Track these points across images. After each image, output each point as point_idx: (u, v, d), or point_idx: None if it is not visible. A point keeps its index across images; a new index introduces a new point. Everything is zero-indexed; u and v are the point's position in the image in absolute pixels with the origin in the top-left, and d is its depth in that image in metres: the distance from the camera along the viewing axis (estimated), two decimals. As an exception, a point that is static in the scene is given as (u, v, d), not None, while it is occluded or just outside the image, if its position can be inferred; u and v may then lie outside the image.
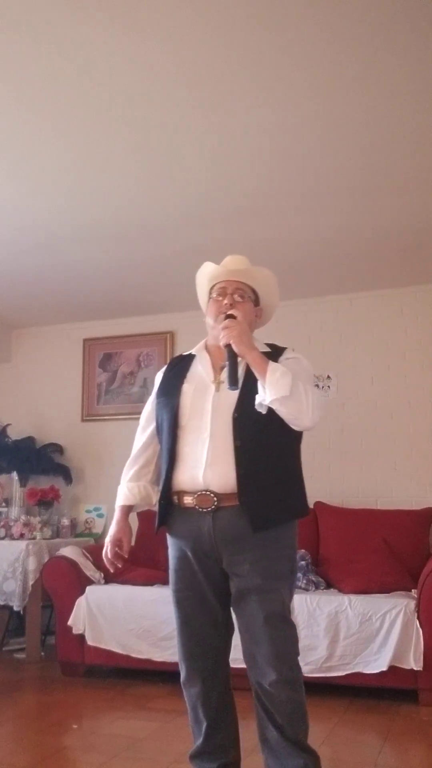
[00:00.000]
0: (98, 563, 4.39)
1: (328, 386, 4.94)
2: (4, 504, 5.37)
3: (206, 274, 2.39)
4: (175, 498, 2.23)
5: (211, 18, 2.33)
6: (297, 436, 2.24)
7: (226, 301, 2.29)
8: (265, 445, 2.16)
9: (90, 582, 4.26)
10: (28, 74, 2.62)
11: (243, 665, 2.21)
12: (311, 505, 4.61)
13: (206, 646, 2.25)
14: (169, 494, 2.25)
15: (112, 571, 2.42)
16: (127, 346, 5.57)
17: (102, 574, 4.34)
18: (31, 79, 2.65)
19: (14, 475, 5.38)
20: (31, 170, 3.33)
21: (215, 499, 2.14)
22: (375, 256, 4.36)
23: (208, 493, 2.15)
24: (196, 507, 2.17)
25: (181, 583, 2.26)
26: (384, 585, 3.86)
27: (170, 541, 2.31)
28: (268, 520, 2.14)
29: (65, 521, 5.16)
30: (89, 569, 4.32)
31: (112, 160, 3.25)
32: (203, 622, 2.24)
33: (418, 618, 3.52)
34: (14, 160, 3.24)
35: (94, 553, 4.50)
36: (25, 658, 4.56)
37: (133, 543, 4.87)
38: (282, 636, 2.13)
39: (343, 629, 3.60)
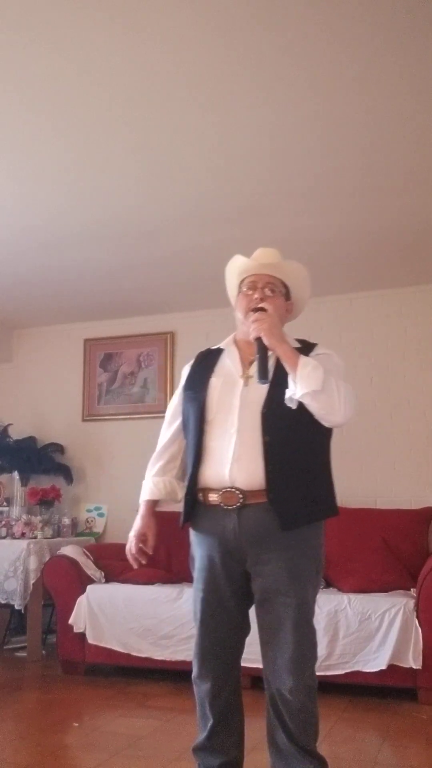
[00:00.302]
0: (99, 562, 4.42)
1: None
2: (5, 503, 5.39)
3: (236, 268, 2.34)
4: (200, 495, 2.18)
5: (211, 18, 2.34)
6: (327, 432, 2.19)
7: (256, 295, 2.24)
8: (295, 442, 2.11)
9: (91, 581, 4.27)
10: (28, 74, 2.63)
11: (253, 665, 2.19)
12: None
13: (221, 647, 2.21)
14: (194, 491, 2.19)
15: (135, 567, 2.36)
16: (128, 347, 5.59)
17: (102, 573, 4.35)
18: (31, 80, 2.66)
19: (15, 474, 5.39)
20: (32, 171, 3.34)
21: (241, 496, 2.09)
22: (375, 256, 4.37)
23: (233, 490, 2.10)
24: (221, 504, 2.12)
25: (203, 583, 2.21)
26: (383, 584, 3.87)
27: (195, 539, 2.26)
28: (297, 518, 2.09)
29: (66, 520, 5.18)
30: (90, 568, 4.33)
31: (113, 161, 3.26)
32: (221, 624, 2.20)
33: (417, 617, 3.53)
34: (15, 160, 3.25)
35: (94, 552, 4.52)
36: (26, 656, 4.58)
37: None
38: (304, 641, 2.10)
39: (342, 628, 3.61)
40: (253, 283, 2.28)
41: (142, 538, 2.33)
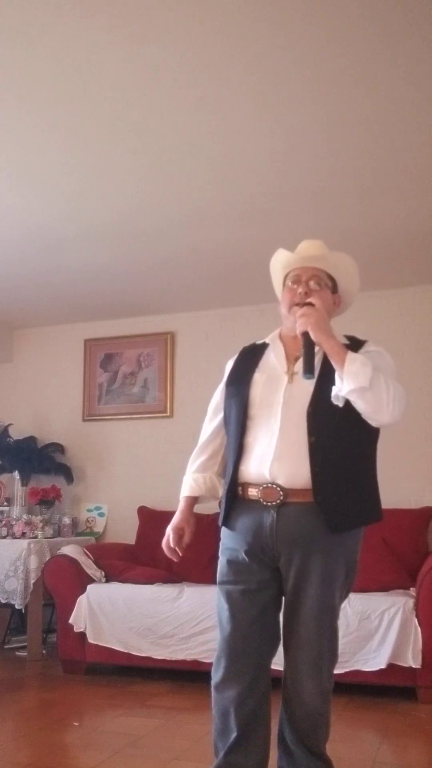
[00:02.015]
0: (99, 562, 4.43)
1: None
2: (5, 503, 5.40)
3: (280, 262, 2.27)
4: (240, 490, 2.13)
5: (212, 19, 2.34)
6: (375, 433, 2.14)
7: (300, 289, 2.17)
8: (342, 442, 2.06)
9: (91, 580, 4.28)
10: (28, 76, 2.63)
11: (279, 668, 2.14)
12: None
13: (252, 645, 2.09)
14: (234, 486, 2.14)
15: (176, 560, 2.30)
16: (128, 347, 5.59)
17: (103, 573, 4.36)
18: (31, 81, 2.67)
19: (16, 474, 5.40)
20: (33, 173, 3.35)
21: (281, 493, 2.04)
22: (375, 257, 4.37)
23: (274, 486, 2.05)
24: (261, 500, 2.06)
25: (232, 575, 2.12)
26: (383, 583, 3.88)
27: (227, 533, 2.18)
28: (345, 521, 2.05)
29: (66, 520, 5.18)
30: (90, 568, 4.34)
31: (113, 162, 3.27)
32: (250, 619, 2.09)
33: (417, 616, 3.54)
34: (16, 162, 3.26)
35: (95, 551, 4.53)
36: (27, 656, 4.59)
37: (133, 542, 4.95)
38: (326, 645, 2.07)
39: (342, 627, 3.56)
40: (297, 276, 2.21)
41: (179, 531, 2.27)
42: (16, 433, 5.57)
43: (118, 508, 5.34)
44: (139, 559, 4.64)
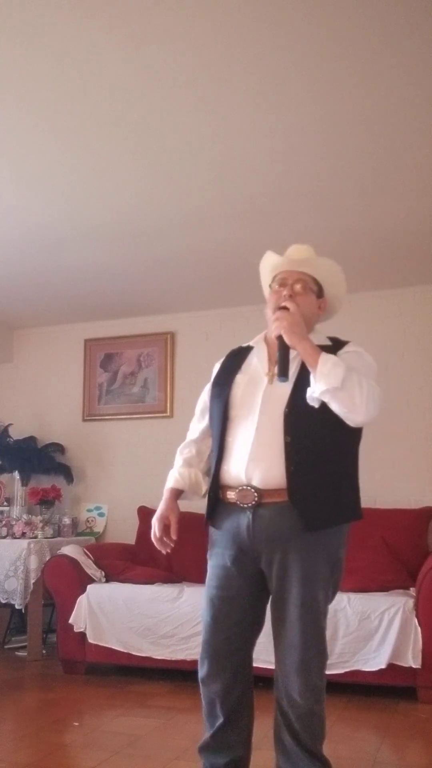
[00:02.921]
0: (99, 562, 4.43)
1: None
2: (5, 503, 5.40)
3: (268, 265, 2.31)
4: (221, 493, 2.19)
5: (211, 20, 2.35)
6: (354, 434, 2.16)
7: (285, 292, 2.20)
8: (319, 442, 2.09)
9: (91, 580, 4.28)
10: (28, 76, 2.64)
11: (263, 665, 2.20)
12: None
13: (234, 646, 2.18)
14: (216, 488, 2.20)
15: (164, 552, 2.33)
16: (128, 347, 5.59)
17: (103, 573, 4.36)
18: (31, 82, 2.67)
19: (16, 474, 5.40)
20: (33, 173, 3.35)
21: (256, 495, 2.08)
22: (375, 257, 4.37)
23: (248, 488, 2.09)
24: (238, 502, 2.12)
25: (216, 580, 2.19)
26: (383, 583, 3.88)
27: (214, 536, 2.25)
28: (321, 519, 2.07)
29: (66, 520, 5.18)
30: (90, 568, 4.34)
31: (114, 163, 3.27)
32: (235, 620, 2.17)
33: (417, 616, 3.54)
34: (16, 162, 3.26)
35: (95, 551, 4.53)
36: (27, 656, 4.59)
37: (133, 542, 4.95)
38: (312, 643, 2.09)
39: (342, 627, 3.62)
40: (283, 279, 2.25)
41: (164, 520, 2.30)
42: (16, 433, 5.57)
43: (118, 508, 5.34)
44: (139, 559, 4.64)
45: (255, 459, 2.10)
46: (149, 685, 3.94)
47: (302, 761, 2.08)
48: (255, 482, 2.09)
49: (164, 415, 5.33)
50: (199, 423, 2.39)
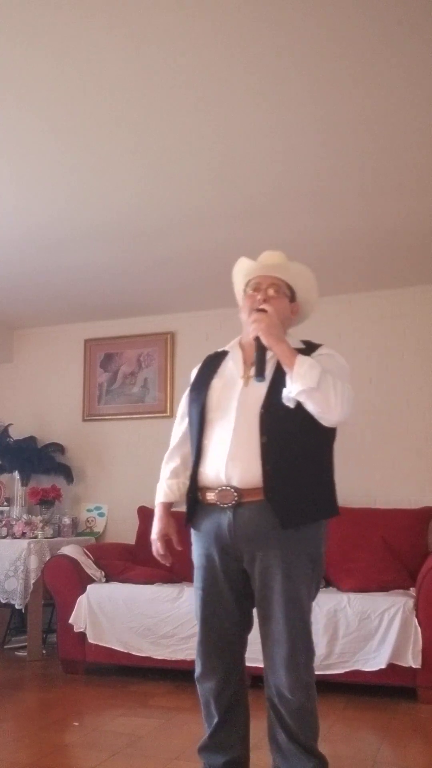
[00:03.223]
0: (99, 562, 4.43)
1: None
2: (5, 503, 5.40)
3: (241, 270, 2.38)
4: (200, 494, 2.23)
5: (211, 20, 2.35)
6: (329, 433, 2.21)
7: (259, 296, 2.27)
8: (294, 441, 2.14)
9: (91, 580, 4.28)
10: (28, 76, 2.64)
11: (257, 664, 2.22)
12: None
13: (224, 644, 2.24)
14: (194, 490, 2.25)
15: (168, 564, 2.42)
16: (128, 347, 5.59)
17: (103, 573, 4.36)
18: (31, 82, 2.67)
19: (16, 474, 5.40)
20: (33, 173, 3.35)
21: (236, 494, 2.13)
22: (375, 257, 4.37)
23: (228, 488, 2.14)
24: (218, 503, 2.16)
25: (204, 581, 2.25)
26: (382, 583, 3.88)
27: (194, 537, 2.30)
28: (297, 517, 2.12)
29: (66, 520, 5.18)
30: (90, 568, 4.34)
31: (114, 163, 3.27)
32: (223, 621, 2.23)
33: (417, 616, 3.54)
34: (16, 162, 3.26)
35: (95, 551, 4.53)
36: (27, 656, 4.58)
37: (133, 542, 4.95)
38: (299, 638, 2.12)
39: (342, 627, 3.62)
40: (257, 284, 2.31)
41: (165, 538, 2.38)
42: (16, 433, 5.57)
43: (118, 508, 5.34)
44: (138, 559, 4.63)
45: (233, 459, 2.15)
46: (149, 685, 3.94)
47: (298, 758, 2.10)
48: (234, 482, 2.14)
49: (164, 415, 5.33)
50: (179, 427, 2.46)
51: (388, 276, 4.71)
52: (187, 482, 2.34)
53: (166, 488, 2.41)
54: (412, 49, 2.49)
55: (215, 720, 2.24)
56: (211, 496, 2.19)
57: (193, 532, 2.30)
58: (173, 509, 2.42)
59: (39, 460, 5.42)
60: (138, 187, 3.49)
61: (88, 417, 5.63)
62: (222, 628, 2.23)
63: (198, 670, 2.27)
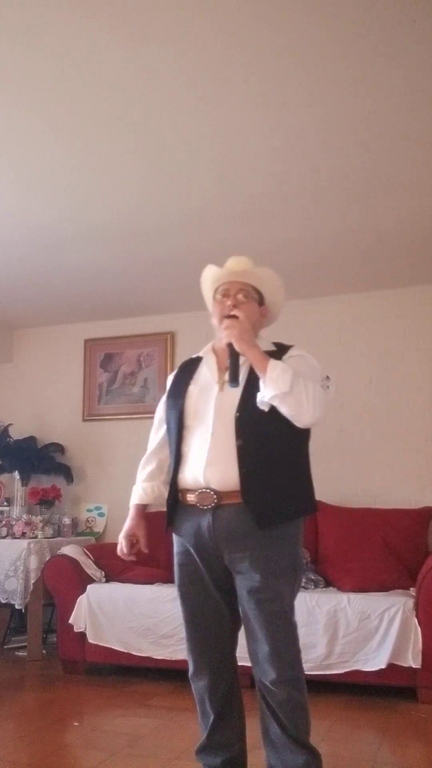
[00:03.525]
0: (99, 562, 4.42)
1: (327, 386, 4.95)
2: (5, 503, 5.40)
3: (209, 277, 2.44)
4: (180, 496, 2.28)
5: (211, 20, 2.34)
6: (303, 433, 2.25)
7: (229, 302, 2.32)
8: (268, 444, 2.19)
9: (91, 580, 4.28)
10: (29, 78, 2.64)
11: (249, 663, 2.23)
12: (311, 505, 4.63)
13: (212, 640, 2.28)
14: (174, 493, 2.30)
15: (132, 560, 2.49)
16: (128, 347, 5.60)
17: (103, 573, 4.36)
18: (31, 82, 2.66)
19: (16, 474, 5.40)
20: (33, 173, 3.35)
21: (215, 496, 2.18)
22: (375, 256, 4.37)
23: (208, 490, 2.19)
24: (198, 504, 2.21)
25: (185, 577, 2.30)
26: (383, 583, 3.88)
27: (175, 538, 2.36)
28: (273, 517, 2.16)
29: (66, 520, 5.18)
30: (90, 568, 4.34)
31: (114, 163, 3.27)
32: (208, 616, 2.28)
33: (417, 616, 3.54)
34: (16, 162, 3.26)
35: (95, 551, 4.53)
36: (27, 656, 4.58)
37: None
38: (281, 635, 2.15)
39: (342, 627, 3.62)
40: (226, 290, 2.36)
41: (131, 538, 2.45)
42: (16, 433, 5.57)
43: (118, 508, 5.32)
44: (138, 559, 4.63)
45: (212, 463, 2.19)
46: (149, 685, 3.94)
47: (290, 751, 2.11)
48: (213, 485, 2.19)
49: (164, 415, 5.32)
50: (156, 434, 2.50)
51: (388, 276, 4.71)
52: (162, 486, 2.41)
53: (140, 490, 2.47)
54: (412, 49, 2.49)
55: (211, 718, 2.27)
56: (191, 498, 2.23)
57: (173, 532, 2.35)
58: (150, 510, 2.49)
59: (39, 460, 5.42)
60: (138, 186, 3.49)
61: (88, 417, 5.63)
62: (208, 625, 2.28)
63: (190, 668, 2.32)
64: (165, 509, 2.36)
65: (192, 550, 2.26)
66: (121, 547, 2.43)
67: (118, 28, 2.38)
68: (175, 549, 2.35)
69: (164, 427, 2.44)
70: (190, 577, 2.29)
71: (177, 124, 2.94)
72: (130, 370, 5.58)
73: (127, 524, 2.47)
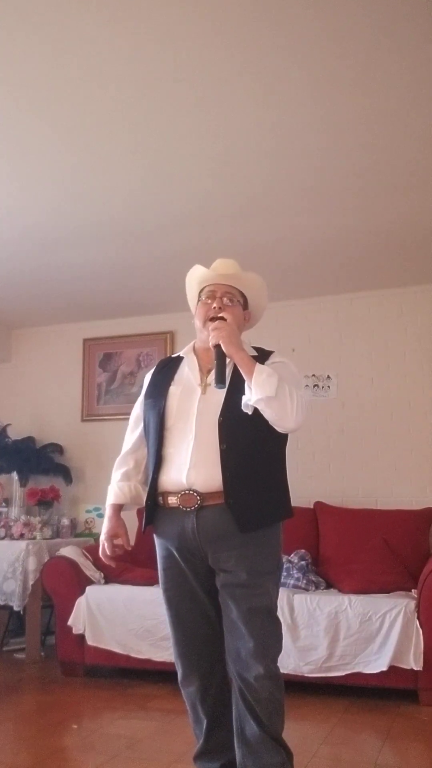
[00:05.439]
0: (98, 563, 4.40)
1: (328, 386, 4.94)
2: (4, 504, 5.37)
3: (196, 278, 2.41)
4: (160, 499, 2.28)
5: (211, 19, 2.34)
6: (282, 438, 2.27)
7: (215, 305, 2.31)
8: (251, 448, 2.20)
9: (90, 582, 4.26)
10: (28, 76, 2.63)
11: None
12: (311, 505, 4.62)
13: (200, 643, 2.28)
14: (154, 495, 2.29)
15: (113, 566, 2.49)
16: (127, 346, 5.58)
17: (102, 574, 4.34)
18: (31, 81, 2.66)
19: (14, 475, 5.38)
20: (32, 172, 3.34)
21: (198, 498, 2.18)
22: (375, 256, 4.36)
23: (191, 492, 2.19)
24: (180, 506, 2.20)
25: (169, 581, 2.31)
26: (384, 585, 3.87)
27: (157, 541, 2.35)
28: (254, 521, 2.18)
29: (65, 521, 5.17)
30: (89, 569, 4.33)
31: (112, 161, 3.26)
32: (195, 619, 2.28)
33: (418, 618, 3.53)
34: (15, 161, 3.25)
35: (94, 553, 4.50)
36: (25, 658, 4.57)
37: (132, 542, 4.92)
38: (267, 631, 2.16)
39: (343, 629, 3.61)
40: (212, 292, 2.35)
41: (113, 539, 2.42)
42: (15, 434, 5.55)
43: (117, 508, 5.31)
44: (138, 561, 4.61)
45: (195, 466, 2.20)
46: (149, 688, 3.92)
47: (266, 750, 2.10)
48: (197, 486, 2.19)
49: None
50: (132, 434, 2.49)
51: (388, 275, 4.70)
52: (140, 486, 2.41)
53: (117, 490, 2.44)
54: (412, 49, 2.48)
55: (205, 723, 2.27)
56: (173, 500, 2.23)
57: (155, 536, 2.34)
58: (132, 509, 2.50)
59: (37, 461, 5.41)
60: (137, 185, 3.48)
61: (87, 417, 5.62)
62: (196, 628, 2.28)
63: (179, 673, 2.32)
64: (143, 508, 2.35)
65: (175, 553, 2.26)
66: (104, 549, 2.41)
67: (117, 27, 2.37)
68: (158, 553, 2.34)
69: (141, 427, 2.44)
70: (175, 581, 2.29)
71: (176, 123, 2.93)
72: (129, 370, 5.56)
73: (107, 525, 2.44)
